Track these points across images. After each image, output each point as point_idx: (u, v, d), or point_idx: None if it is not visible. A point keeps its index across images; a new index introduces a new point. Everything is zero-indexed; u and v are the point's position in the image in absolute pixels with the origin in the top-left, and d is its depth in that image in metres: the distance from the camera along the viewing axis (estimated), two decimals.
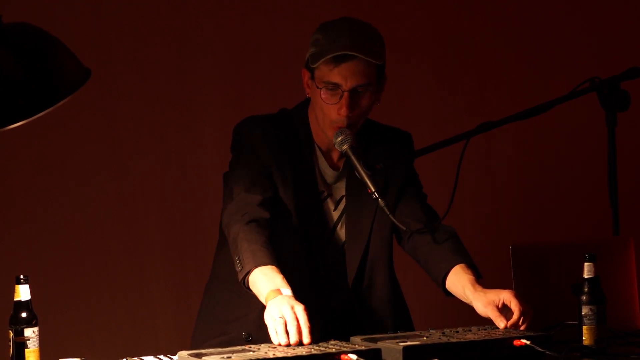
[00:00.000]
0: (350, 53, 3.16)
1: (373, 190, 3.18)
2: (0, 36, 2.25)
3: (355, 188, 3.31)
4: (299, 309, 2.87)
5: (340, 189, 3.35)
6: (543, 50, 5.15)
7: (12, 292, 2.80)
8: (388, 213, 3.20)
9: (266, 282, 2.97)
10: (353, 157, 3.20)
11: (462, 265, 3.23)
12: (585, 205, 5.11)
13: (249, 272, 3.01)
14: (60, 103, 2.27)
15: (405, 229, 3.26)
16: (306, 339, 2.83)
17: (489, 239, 5.01)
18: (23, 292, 2.79)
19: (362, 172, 3.19)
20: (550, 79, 5.09)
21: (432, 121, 5.01)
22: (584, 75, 3.60)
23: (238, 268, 3.05)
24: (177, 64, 4.80)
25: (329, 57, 3.16)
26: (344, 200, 3.35)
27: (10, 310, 2.79)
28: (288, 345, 2.83)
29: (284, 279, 2.98)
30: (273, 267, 3.01)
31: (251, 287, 3.03)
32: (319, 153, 3.33)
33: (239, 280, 3.04)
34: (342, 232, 3.35)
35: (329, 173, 3.34)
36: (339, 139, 3.21)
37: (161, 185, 4.79)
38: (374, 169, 3.21)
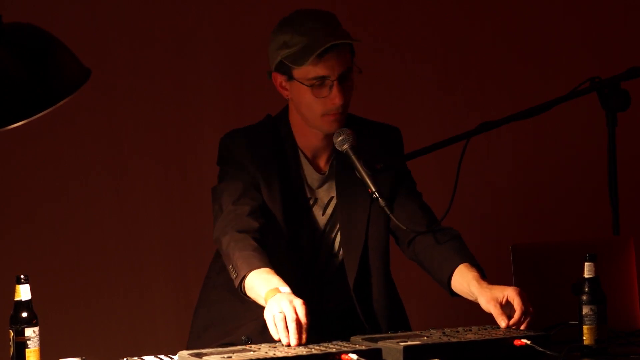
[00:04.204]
0: (335, 42, 3.13)
1: (374, 190, 3.18)
2: (0, 36, 2.25)
3: (346, 190, 3.30)
4: (298, 302, 2.86)
5: (327, 193, 3.33)
6: (543, 50, 5.15)
7: (13, 292, 2.79)
8: (389, 212, 3.20)
9: (263, 284, 2.96)
10: (353, 157, 3.19)
11: (466, 264, 3.21)
12: (585, 205, 5.11)
13: (244, 277, 3.00)
14: (60, 103, 2.27)
15: (405, 228, 3.25)
16: (301, 339, 2.83)
17: (489, 239, 5.00)
18: (23, 292, 2.79)
19: (362, 172, 3.19)
20: (550, 79, 5.08)
21: (432, 121, 5.00)
22: (584, 75, 3.60)
23: (233, 275, 3.05)
24: (177, 64, 4.80)
25: (316, 53, 3.13)
26: (331, 204, 3.33)
27: (11, 310, 2.79)
28: (289, 344, 2.82)
29: (281, 279, 2.97)
30: (267, 269, 3.01)
31: (248, 292, 3.02)
32: (303, 159, 3.31)
33: (236, 286, 3.04)
34: (332, 236, 3.34)
35: (315, 177, 3.31)
36: (340, 138, 3.21)
37: (161, 185, 4.79)
38: (374, 169, 3.20)
